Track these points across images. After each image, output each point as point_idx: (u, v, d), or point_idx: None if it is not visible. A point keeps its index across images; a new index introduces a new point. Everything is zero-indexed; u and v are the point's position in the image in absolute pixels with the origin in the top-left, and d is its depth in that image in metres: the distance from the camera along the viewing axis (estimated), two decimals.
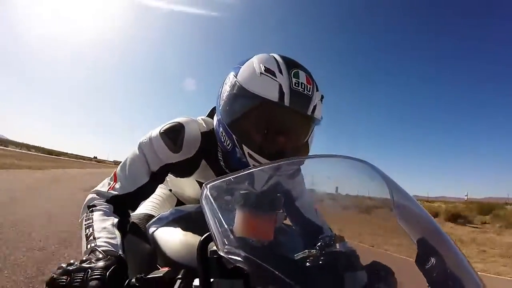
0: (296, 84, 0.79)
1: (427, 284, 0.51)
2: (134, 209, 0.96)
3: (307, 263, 0.51)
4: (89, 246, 0.69)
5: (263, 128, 0.83)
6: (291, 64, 0.82)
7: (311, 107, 0.81)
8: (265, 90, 0.78)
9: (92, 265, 0.57)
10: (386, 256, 0.58)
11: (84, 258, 0.62)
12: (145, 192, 0.93)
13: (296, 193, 0.85)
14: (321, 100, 0.85)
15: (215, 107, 0.98)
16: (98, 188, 0.92)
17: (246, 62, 0.87)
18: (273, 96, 0.78)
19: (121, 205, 0.90)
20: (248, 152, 0.81)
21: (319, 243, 0.61)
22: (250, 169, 0.70)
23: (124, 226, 0.85)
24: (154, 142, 0.91)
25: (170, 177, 1.12)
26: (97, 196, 0.90)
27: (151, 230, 0.83)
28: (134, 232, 0.91)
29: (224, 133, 0.86)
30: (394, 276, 0.52)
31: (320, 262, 0.52)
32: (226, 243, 0.51)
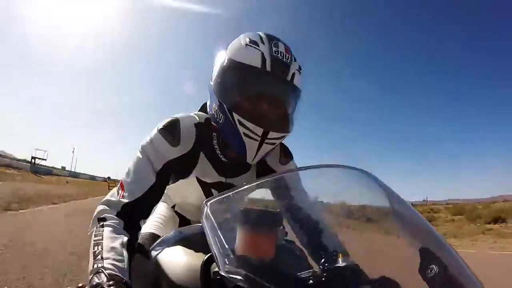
0: (276, 52, 0.88)
1: None
2: (146, 216, 0.95)
3: (310, 281, 0.51)
4: (95, 266, 0.69)
5: (249, 94, 0.89)
6: (272, 37, 0.92)
7: (290, 74, 0.89)
8: (249, 58, 0.87)
9: None
10: (391, 267, 0.57)
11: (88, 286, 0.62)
12: (154, 194, 0.94)
13: (300, 203, 0.86)
14: (299, 71, 0.92)
15: (205, 103, 1.05)
16: (108, 197, 0.92)
17: (232, 41, 0.95)
18: (256, 62, 0.86)
19: (132, 215, 0.89)
20: (238, 119, 0.86)
21: (322, 259, 0.61)
22: (249, 184, 0.70)
23: (132, 245, 0.85)
24: (154, 140, 0.95)
25: (172, 188, 1.12)
26: (107, 208, 0.88)
27: (155, 253, 0.83)
28: (139, 254, 0.90)
29: (217, 108, 0.92)
30: None
31: (323, 279, 0.51)
32: (227, 262, 0.51)
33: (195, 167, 1.04)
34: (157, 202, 0.99)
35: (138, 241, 0.99)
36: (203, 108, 1.09)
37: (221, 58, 0.95)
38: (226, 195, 0.68)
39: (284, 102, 0.94)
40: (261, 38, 0.91)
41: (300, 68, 0.93)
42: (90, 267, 0.71)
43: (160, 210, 1.33)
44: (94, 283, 0.63)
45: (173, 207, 1.36)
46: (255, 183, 0.75)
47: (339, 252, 0.57)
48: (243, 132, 0.87)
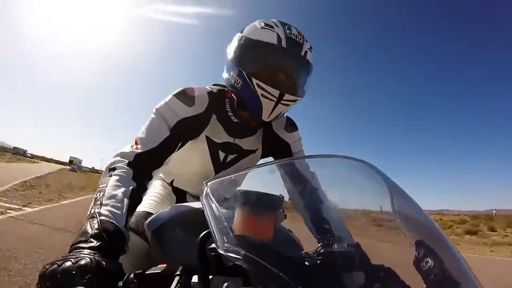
0: (290, 34, 1.00)
1: (425, 286, 0.51)
2: (158, 166, 0.98)
3: (306, 262, 0.51)
4: (92, 210, 0.72)
5: (266, 64, 1.01)
6: (285, 23, 1.03)
7: (303, 51, 1.01)
8: (267, 37, 0.99)
9: (77, 259, 0.56)
10: (386, 256, 0.58)
11: (73, 242, 0.63)
12: (167, 147, 1.00)
13: (304, 188, 0.88)
14: (311, 50, 1.05)
15: (215, 83, 1.21)
16: (122, 149, 0.95)
17: (248, 25, 1.06)
18: (273, 40, 0.98)
19: (144, 165, 0.92)
20: (256, 83, 0.97)
21: (319, 243, 0.61)
22: (250, 168, 0.70)
23: (139, 194, 0.87)
24: (169, 102, 1.04)
25: (173, 158, 1.14)
26: (120, 159, 0.91)
27: (150, 227, 0.83)
28: (133, 229, 0.91)
29: (234, 75, 1.03)
30: (394, 277, 0.53)
31: (319, 262, 0.52)
32: (226, 240, 0.51)
33: (206, 127, 1.13)
34: (170, 155, 1.02)
35: (132, 219, 0.99)
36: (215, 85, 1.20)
37: (238, 37, 1.06)
38: (227, 177, 0.68)
39: (297, 72, 1.06)
40: (275, 23, 1.02)
41: (311, 48, 1.05)
42: (88, 212, 0.73)
43: (156, 188, 1.33)
44: (82, 230, 0.66)
45: (171, 182, 1.36)
46: (255, 167, 0.74)
47: (340, 236, 0.57)
48: (261, 94, 0.98)
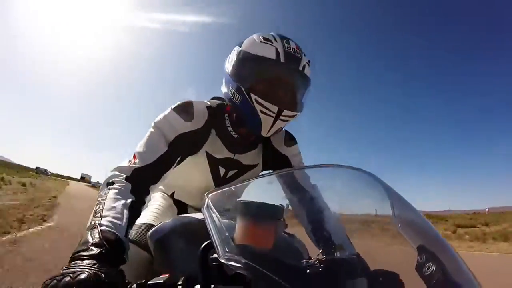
0: (288, 48, 0.99)
1: None
2: (155, 182, 0.97)
3: (308, 270, 0.51)
4: (92, 222, 0.72)
5: (265, 79, 1.00)
6: (284, 36, 1.04)
7: (302, 65, 1.01)
8: (265, 52, 0.98)
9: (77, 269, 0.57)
10: (389, 262, 0.58)
11: (76, 251, 0.63)
12: (164, 163, 0.99)
13: (305, 197, 0.88)
14: (309, 64, 1.04)
15: (215, 96, 1.21)
16: (120, 164, 0.95)
17: (246, 39, 1.06)
18: (271, 55, 0.97)
19: (141, 180, 0.92)
20: (255, 99, 0.97)
21: (320, 251, 0.61)
22: (251, 179, 0.72)
23: (138, 207, 0.87)
24: (168, 116, 1.04)
25: (174, 172, 1.14)
26: (118, 173, 0.91)
27: (153, 237, 0.83)
28: (134, 241, 0.90)
29: (233, 91, 1.02)
30: (397, 283, 0.52)
31: (320, 270, 0.52)
32: (227, 250, 0.51)
33: (206, 142, 1.12)
34: (167, 170, 1.02)
35: (133, 231, 1.00)
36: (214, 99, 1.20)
37: (236, 51, 1.05)
38: (228, 188, 0.69)
39: (296, 87, 1.05)
40: (274, 36, 1.02)
41: (309, 62, 1.05)
42: (88, 223, 0.73)
43: (157, 200, 1.32)
44: (83, 240, 0.66)
45: (172, 195, 1.36)
46: (255, 178, 0.75)
47: (341, 244, 0.57)
48: (260, 110, 0.98)
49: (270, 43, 0.99)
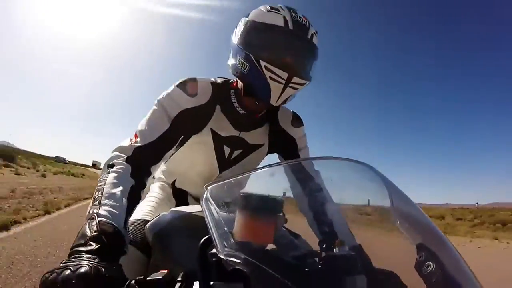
0: (296, 17, 0.99)
1: None
2: (157, 162, 0.96)
3: (307, 267, 0.51)
4: (91, 211, 0.71)
5: (274, 46, 0.99)
6: (290, 7, 1.03)
7: (310, 34, 1.00)
8: (273, 20, 0.98)
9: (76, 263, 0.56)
10: (388, 260, 0.58)
11: (74, 244, 0.63)
12: (167, 141, 0.97)
13: (309, 190, 0.88)
14: (316, 34, 1.04)
15: (219, 76, 1.17)
16: (121, 143, 0.94)
17: (254, 10, 1.05)
18: (279, 23, 0.98)
19: (143, 160, 0.90)
20: (264, 65, 0.96)
21: (320, 247, 0.61)
22: (250, 172, 0.70)
23: (138, 191, 0.86)
24: (171, 92, 1.03)
25: (176, 157, 1.11)
26: (118, 154, 0.89)
27: (152, 230, 0.83)
28: (132, 235, 0.90)
29: (241, 59, 1.01)
30: (396, 281, 0.52)
31: (320, 266, 0.52)
32: (226, 245, 0.51)
33: (211, 119, 1.10)
34: (170, 149, 1.00)
35: (129, 229, 0.97)
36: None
37: (243, 22, 1.05)
38: (227, 180, 0.68)
39: (304, 54, 1.05)
40: (281, 7, 1.03)
41: (316, 32, 1.04)
42: (87, 212, 0.72)
43: (154, 192, 1.30)
44: (82, 232, 0.65)
45: (173, 183, 1.32)
46: (256, 170, 0.74)
47: (343, 237, 0.57)
48: (269, 76, 0.96)
49: (278, 12, 1.00)
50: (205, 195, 0.62)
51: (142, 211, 1.12)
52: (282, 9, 1.00)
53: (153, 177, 1.32)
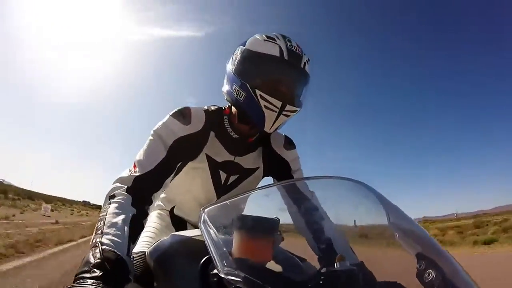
0: (291, 46, 1.03)
1: None
2: (157, 189, 0.96)
3: (308, 283, 0.51)
4: (94, 240, 0.71)
5: (269, 76, 1.03)
6: (285, 36, 1.07)
7: (303, 62, 1.04)
8: (269, 50, 1.01)
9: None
10: (390, 272, 0.57)
11: (78, 272, 0.62)
12: (165, 168, 0.99)
13: (305, 209, 0.89)
14: (308, 62, 1.08)
15: (212, 105, 1.20)
16: (120, 175, 0.94)
17: (250, 38, 1.08)
18: (275, 53, 1.01)
19: (143, 189, 0.90)
20: (260, 94, 0.98)
21: (320, 263, 0.60)
22: (245, 193, 0.71)
23: (140, 220, 0.85)
24: (166, 122, 1.05)
25: (173, 185, 1.10)
26: (119, 185, 0.89)
27: (153, 255, 0.81)
28: (134, 260, 0.86)
29: (237, 87, 1.04)
30: None
31: (321, 282, 0.51)
32: (225, 264, 0.50)
33: (205, 145, 1.11)
34: (168, 176, 1.01)
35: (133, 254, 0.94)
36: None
37: (240, 50, 1.08)
38: (223, 202, 0.68)
39: (297, 83, 1.08)
40: (276, 36, 1.06)
41: (309, 60, 1.09)
42: (91, 242, 0.71)
43: (153, 222, 1.27)
44: (86, 260, 0.64)
45: (171, 210, 1.32)
46: (251, 192, 0.75)
47: (343, 254, 0.57)
48: (264, 105, 0.99)
49: (274, 42, 1.03)
50: (202, 217, 0.63)
51: (142, 243, 1.09)
52: (278, 39, 1.04)
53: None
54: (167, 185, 1.00)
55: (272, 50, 1.01)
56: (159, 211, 1.32)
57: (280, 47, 1.01)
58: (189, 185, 1.20)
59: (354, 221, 0.69)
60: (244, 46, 1.07)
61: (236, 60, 1.08)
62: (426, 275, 0.51)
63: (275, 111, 0.99)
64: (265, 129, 1.03)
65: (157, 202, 1.31)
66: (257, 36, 1.08)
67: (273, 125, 1.03)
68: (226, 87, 1.11)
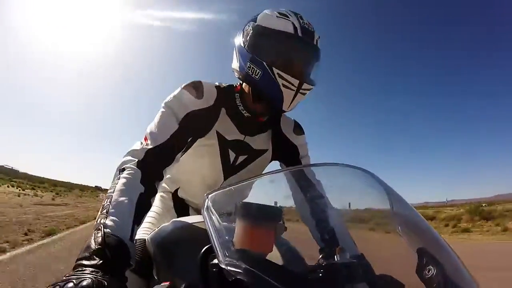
0: (303, 23, 1.02)
1: None
2: (168, 164, 0.97)
3: (308, 275, 0.51)
4: (99, 220, 0.71)
5: (286, 53, 1.02)
6: (296, 12, 1.05)
7: (315, 39, 1.03)
8: (283, 27, 1.00)
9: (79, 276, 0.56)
10: (390, 266, 0.58)
11: (80, 257, 0.62)
12: (177, 141, 0.99)
13: (309, 197, 0.88)
14: (319, 38, 1.06)
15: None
16: (132, 147, 0.94)
17: (260, 14, 1.06)
18: (290, 29, 0.99)
19: (154, 162, 0.91)
20: (277, 73, 0.98)
21: (320, 255, 0.61)
22: (250, 179, 0.71)
23: (148, 199, 0.85)
24: (178, 95, 1.05)
25: (180, 164, 1.10)
26: (130, 158, 0.89)
27: (153, 241, 0.82)
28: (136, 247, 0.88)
29: (252, 65, 1.02)
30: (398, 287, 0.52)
31: (320, 275, 0.52)
32: (227, 255, 0.51)
33: (216, 122, 1.12)
34: (180, 151, 1.01)
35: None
36: None
37: (251, 26, 1.06)
38: (227, 188, 0.68)
39: (312, 60, 1.08)
40: (287, 12, 1.04)
41: (319, 37, 1.07)
42: (96, 221, 0.71)
43: (154, 206, 1.27)
44: (87, 244, 0.65)
45: (175, 192, 1.31)
46: (255, 178, 0.75)
47: (344, 244, 0.57)
48: (282, 83, 0.98)
49: (287, 18, 1.01)
50: (206, 204, 0.62)
51: (142, 229, 1.09)
52: (290, 15, 1.02)
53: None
54: (178, 160, 1.01)
55: (287, 26, 0.99)
56: (161, 193, 1.33)
57: (293, 24, 0.99)
58: (197, 163, 1.19)
59: (356, 212, 0.69)
60: (255, 22, 1.05)
61: (249, 36, 1.05)
62: (426, 271, 0.52)
63: (293, 90, 0.99)
64: (283, 108, 1.03)
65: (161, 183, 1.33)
66: (268, 12, 1.05)
67: (291, 104, 1.02)
68: (236, 64, 1.08)
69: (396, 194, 0.64)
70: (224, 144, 1.14)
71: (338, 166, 0.69)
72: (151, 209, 1.22)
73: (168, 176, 1.32)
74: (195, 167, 1.22)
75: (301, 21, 1.01)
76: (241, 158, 1.19)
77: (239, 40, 1.09)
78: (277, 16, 1.02)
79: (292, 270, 0.53)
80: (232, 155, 1.17)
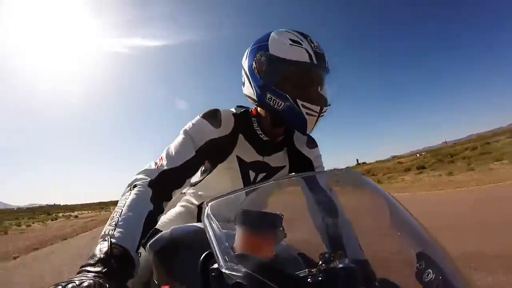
0: (315, 47, 1.05)
1: None
2: (179, 187, 0.99)
3: (307, 279, 0.52)
4: (106, 231, 0.72)
5: (306, 84, 1.07)
6: (304, 35, 1.09)
7: (327, 61, 1.08)
8: (299, 56, 1.03)
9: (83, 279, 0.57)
10: (389, 270, 0.58)
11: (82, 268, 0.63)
12: (190, 167, 1.02)
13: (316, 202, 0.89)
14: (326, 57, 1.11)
15: (238, 106, 1.25)
16: (146, 166, 0.97)
17: (270, 41, 1.08)
18: (305, 58, 1.03)
19: (166, 183, 0.93)
20: (301, 104, 1.02)
21: (320, 260, 0.61)
22: (250, 187, 0.72)
23: (155, 216, 0.86)
24: (197, 123, 1.09)
25: (203, 183, 1.16)
26: (143, 176, 0.91)
27: (153, 248, 0.83)
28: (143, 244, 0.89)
29: (273, 97, 1.06)
30: None
31: (320, 279, 0.52)
32: (227, 259, 0.51)
33: (235, 147, 1.17)
34: (191, 176, 1.04)
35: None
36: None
37: (264, 56, 1.08)
38: (227, 196, 0.69)
39: (325, 83, 1.14)
40: (299, 37, 1.07)
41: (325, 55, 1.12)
42: (102, 231, 0.72)
43: (178, 207, 1.35)
44: (93, 252, 0.66)
45: (199, 205, 1.34)
46: (254, 187, 0.76)
47: (342, 252, 0.57)
48: (306, 112, 1.04)
49: (300, 46, 1.04)
50: (206, 211, 0.63)
51: (161, 222, 1.14)
52: (302, 41, 1.05)
53: (182, 193, 1.39)
54: (187, 185, 1.03)
55: (302, 55, 1.03)
56: (187, 203, 1.38)
57: (307, 51, 1.03)
58: (220, 183, 1.24)
59: (356, 217, 0.69)
60: (267, 51, 1.07)
61: (263, 65, 1.08)
62: (426, 275, 0.52)
63: (315, 115, 1.04)
64: (307, 132, 1.09)
65: (186, 197, 1.39)
66: (280, 39, 1.07)
67: (313, 127, 1.08)
68: (251, 91, 1.13)
69: (394, 201, 0.65)
70: (244, 166, 1.20)
71: (336, 172, 0.70)
72: (174, 210, 1.30)
73: (192, 191, 1.36)
74: (218, 185, 1.26)
75: (312, 45, 1.05)
76: (260, 176, 1.24)
77: (248, 65, 1.13)
78: (290, 44, 1.04)
79: (292, 274, 0.53)
80: (252, 174, 1.22)
